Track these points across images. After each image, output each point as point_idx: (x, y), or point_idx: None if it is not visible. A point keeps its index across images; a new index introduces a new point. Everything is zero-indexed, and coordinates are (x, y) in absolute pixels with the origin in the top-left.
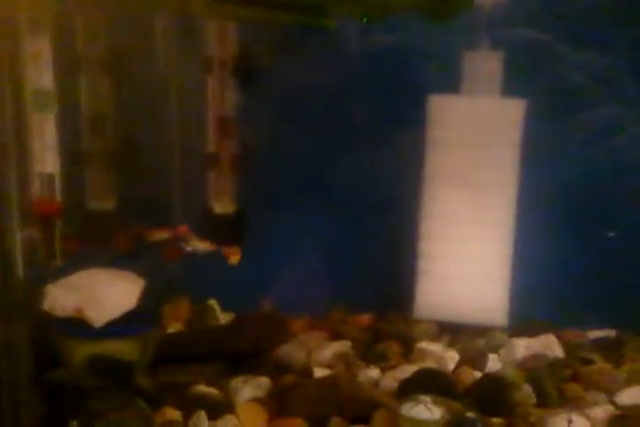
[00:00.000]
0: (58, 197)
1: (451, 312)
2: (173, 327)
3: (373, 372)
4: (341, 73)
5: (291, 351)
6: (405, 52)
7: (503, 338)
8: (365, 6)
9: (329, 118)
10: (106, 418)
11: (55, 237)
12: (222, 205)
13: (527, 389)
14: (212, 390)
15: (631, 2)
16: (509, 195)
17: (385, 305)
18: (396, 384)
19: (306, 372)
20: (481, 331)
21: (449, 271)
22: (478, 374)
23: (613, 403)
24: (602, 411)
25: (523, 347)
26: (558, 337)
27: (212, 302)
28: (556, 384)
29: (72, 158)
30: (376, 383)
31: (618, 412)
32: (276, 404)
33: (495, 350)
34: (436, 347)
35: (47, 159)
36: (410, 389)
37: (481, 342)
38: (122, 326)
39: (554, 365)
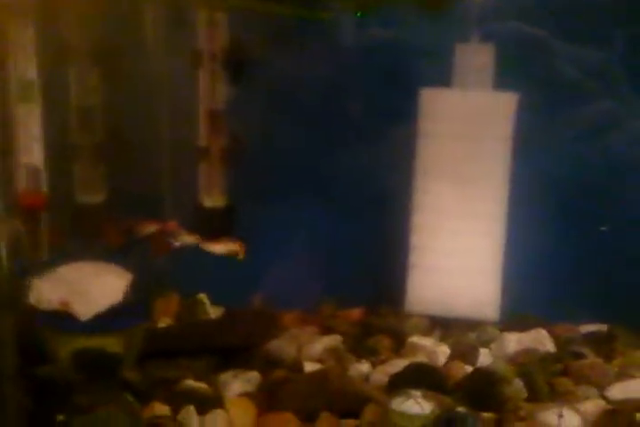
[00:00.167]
0: (44, 189)
1: (442, 306)
2: (163, 322)
3: (364, 366)
4: (333, 66)
5: (281, 346)
6: (397, 45)
7: (494, 332)
8: None
9: (320, 111)
10: (93, 413)
11: (40, 230)
12: (212, 199)
13: (518, 383)
14: (202, 385)
15: None
16: (501, 188)
17: (376, 299)
18: (386, 379)
19: (296, 366)
20: (472, 325)
21: (440, 265)
22: (469, 369)
23: (604, 397)
24: (593, 405)
25: (514, 341)
26: (549, 331)
27: (202, 297)
28: (546, 379)
29: (61, 151)
30: (366, 378)
31: (609, 406)
32: (266, 399)
33: (486, 344)
34: (427, 341)
35: (33, 151)
36: (400, 383)
37: (472, 336)
38: (109, 320)
39: (545, 359)
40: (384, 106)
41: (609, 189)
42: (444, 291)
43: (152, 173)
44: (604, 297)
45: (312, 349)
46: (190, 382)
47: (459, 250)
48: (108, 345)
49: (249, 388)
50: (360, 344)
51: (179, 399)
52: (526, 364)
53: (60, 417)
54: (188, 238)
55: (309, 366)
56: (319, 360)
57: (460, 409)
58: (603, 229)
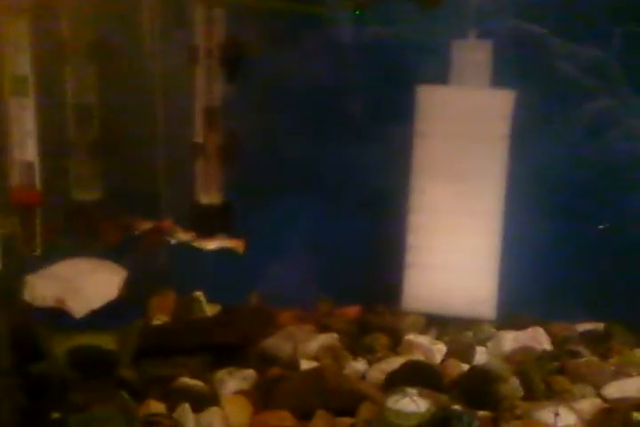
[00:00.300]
0: (37, 185)
1: (439, 305)
2: (159, 319)
3: (360, 364)
4: (329, 63)
5: (277, 344)
6: (394, 42)
7: (491, 331)
8: None
9: (316, 109)
10: (89, 411)
11: (35, 227)
12: (209, 196)
13: (514, 382)
14: (197, 383)
15: None
16: (498, 186)
17: (373, 297)
18: (382, 377)
19: (292, 364)
20: (469, 323)
21: (437, 264)
22: (466, 367)
23: (600, 396)
24: (589, 404)
25: (510, 340)
26: (546, 330)
27: (199, 294)
28: (543, 377)
29: (57, 148)
30: (363, 376)
31: (605, 405)
32: (262, 396)
33: (483, 342)
34: (423, 339)
35: (26, 147)
36: (397, 381)
37: (469, 334)
38: (103, 317)
39: (541, 357)
40: (380, 103)
41: (606, 188)
42: (440, 289)
43: (148, 170)
44: (600, 296)
45: (308, 347)
46: (186, 380)
47: (455, 249)
48: (103, 342)
49: (245, 386)
50: (356, 342)
51: (174, 397)
52: (522, 362)
53: (55, 415)
54: (183, 236)
55: (305, 364)
56: (315, 358)
57: (456, 407)
58: (600, 227)
